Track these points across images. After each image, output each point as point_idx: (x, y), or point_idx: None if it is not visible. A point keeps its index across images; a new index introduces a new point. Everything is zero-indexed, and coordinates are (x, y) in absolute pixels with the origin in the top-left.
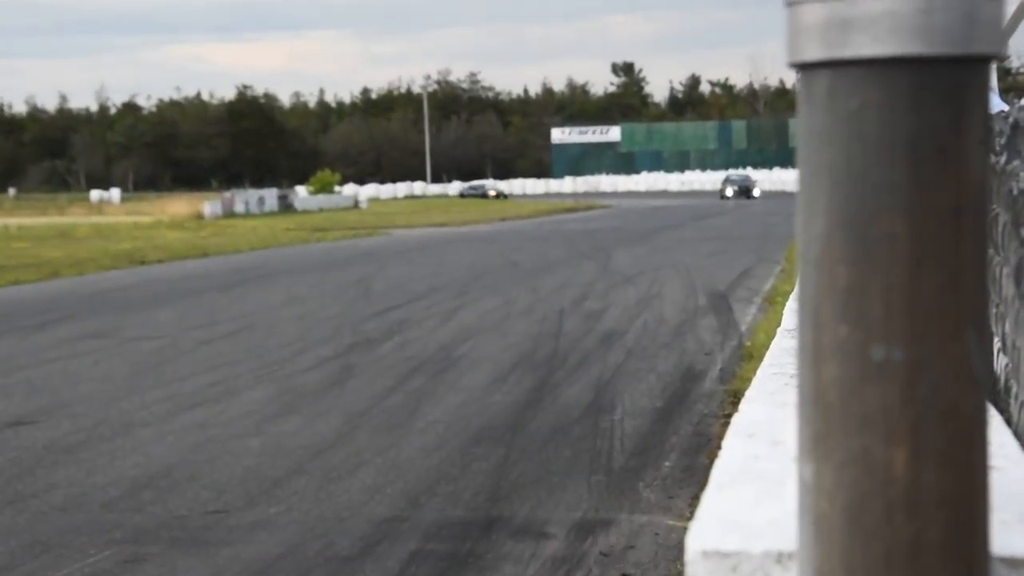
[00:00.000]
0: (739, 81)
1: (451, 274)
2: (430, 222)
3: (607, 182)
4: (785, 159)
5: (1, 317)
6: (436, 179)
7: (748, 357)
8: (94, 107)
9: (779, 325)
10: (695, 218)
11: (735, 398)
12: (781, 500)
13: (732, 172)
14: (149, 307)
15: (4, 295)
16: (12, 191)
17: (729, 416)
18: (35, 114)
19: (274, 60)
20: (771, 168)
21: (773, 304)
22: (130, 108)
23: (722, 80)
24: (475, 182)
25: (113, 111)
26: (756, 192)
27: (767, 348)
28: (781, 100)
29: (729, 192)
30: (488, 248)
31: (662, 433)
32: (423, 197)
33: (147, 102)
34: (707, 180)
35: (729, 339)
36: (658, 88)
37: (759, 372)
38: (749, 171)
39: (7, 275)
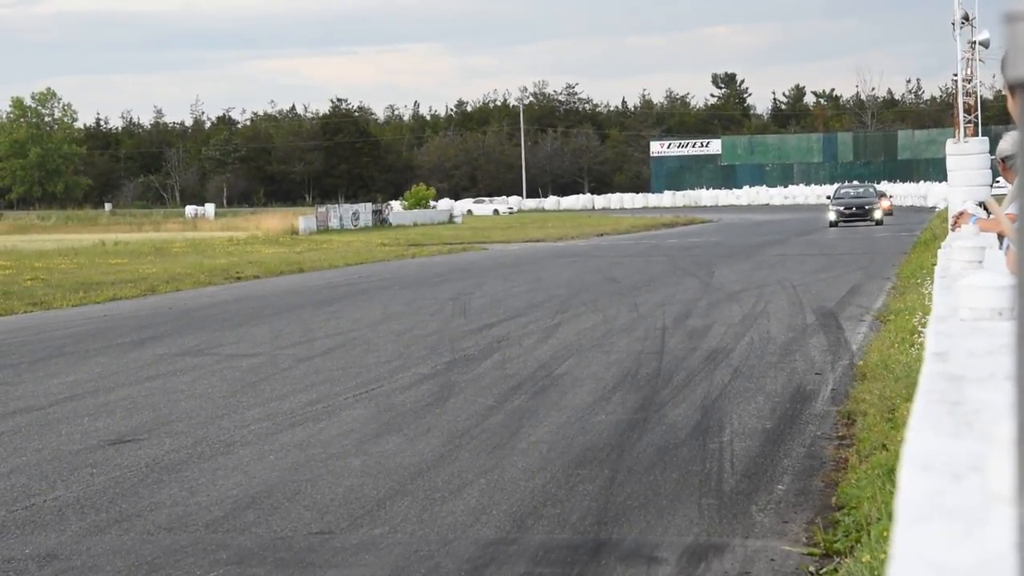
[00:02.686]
0: (845, 92)
1: (549, 290)
2: (527, 237)
3: (707, 196)
4: (893, 172)
5: (100, 333)
6: (532, 193)
7: (861, 377)
8: (189, 122)
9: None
10: (799, 233)
11: (849, 419)
12: (981, 541)
13: (844, 186)
14: (246, 323)
15: (102, 311)
16: (108, 206)
17: (843, 438)
18: (131, 129)
19: (368, 74)
20: (878, 182)
21: (885, 323)
22: (224, 122)
23: (827, 91)
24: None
25: (208, 125)
26: (878, 214)
27: (883, 368)
28: (888, 111)
29: (832, 216)
30: (586, 264)
31: (773, 455)
32: (519, 212)
33: (241, 116)
34: (811, 194)
35: (840, 358)
36: (760, 100)
37: (918, 400)
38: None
39: (105, 291)
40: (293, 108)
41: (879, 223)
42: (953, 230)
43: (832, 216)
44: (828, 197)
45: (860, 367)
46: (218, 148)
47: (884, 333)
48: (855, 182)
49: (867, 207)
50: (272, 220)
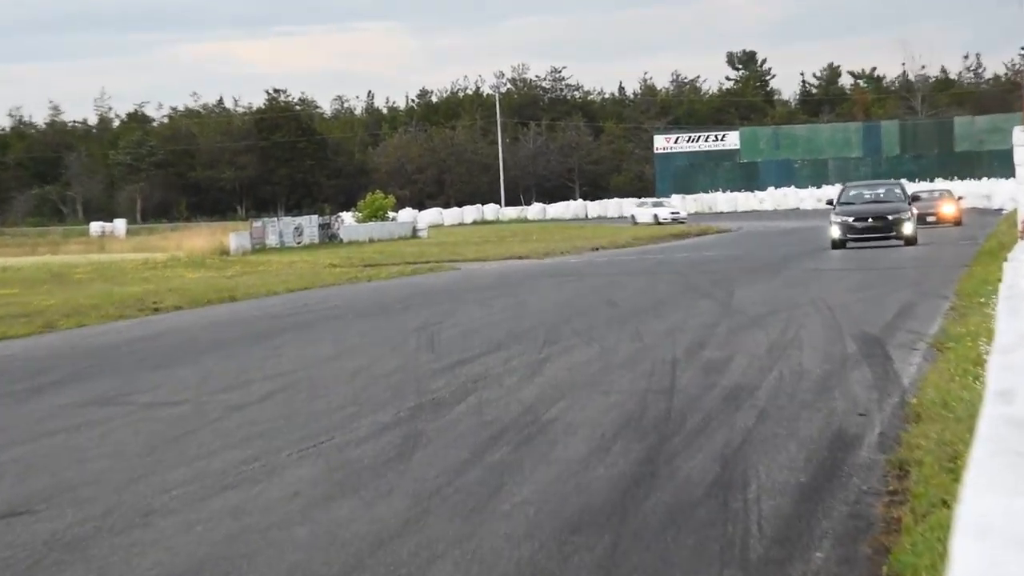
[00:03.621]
0: (889, 72)
1: (535, 317)
2: (507, 253)
3: (724, 200)
4: (949, 167)
5: None
6: (512, 200)
7: (915, 418)
8: (93, 120)
9: (962, 375)
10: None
11: (901, 470)
12: None
13: (855, 185)
14: (166, 365)
15: None
16: None
17: (895, 493)
18: (21, 130)
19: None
20: (931, 179)
21: (944, 351)
22: (137, 120)
23: (867, 71)
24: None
25: (116, 124)
26: (908, 227)
27: (941, 406)
28: (942, 94)
29: (836, 232)
30: (579, 285)
31: (809, 515)
32: (497, 222)
33: (157, 112)
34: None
35: (888, 395)
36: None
37: (975, 450)
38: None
39: None
40: (221, 102)
41: (909, 242)
42: (1023, 238)
43: (836, 232)
44: (829, 202)
45: (914, 406)
46: (129, 151)
47: (942, 364)
48: (873, 180)
49: (890, 217)
50: (197, 238)
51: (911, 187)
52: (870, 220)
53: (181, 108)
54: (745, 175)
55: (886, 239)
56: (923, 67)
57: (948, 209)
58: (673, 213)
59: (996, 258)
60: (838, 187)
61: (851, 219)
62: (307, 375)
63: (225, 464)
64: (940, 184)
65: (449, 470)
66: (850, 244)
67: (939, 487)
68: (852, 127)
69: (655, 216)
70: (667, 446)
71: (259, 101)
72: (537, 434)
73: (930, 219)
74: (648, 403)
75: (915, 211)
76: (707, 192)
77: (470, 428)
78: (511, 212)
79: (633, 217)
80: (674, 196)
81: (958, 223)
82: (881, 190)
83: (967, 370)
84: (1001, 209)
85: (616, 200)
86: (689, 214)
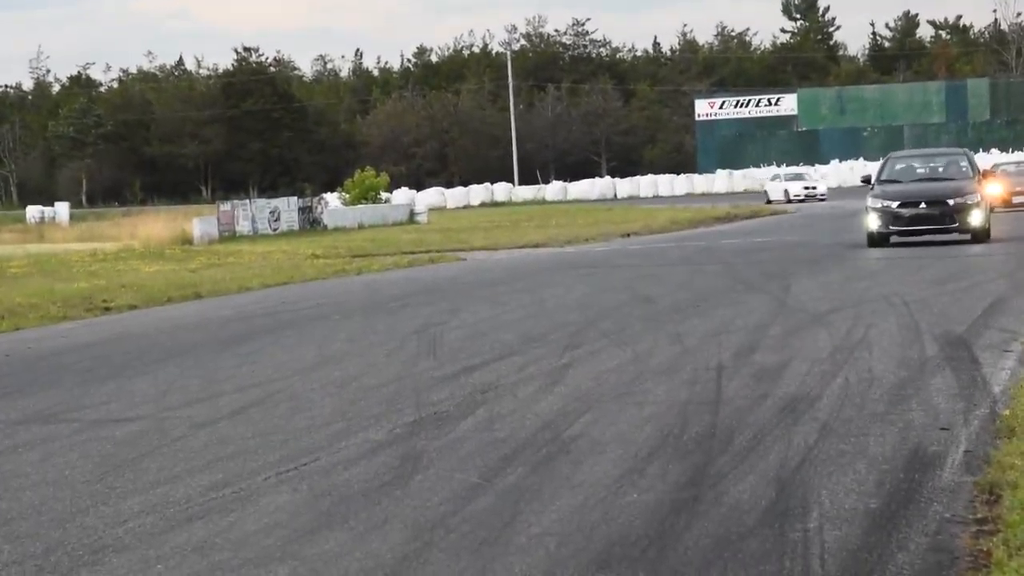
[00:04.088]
0: (977, 21)
1: (554, 317)
2: (521, 241)
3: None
4: None
5: None
6: (527, 178)
7: (1008, 433)
8: (28, 85)
9: None
10: None
11: (991, 494)
12: None
13: (902, 155)
14: (120, 375)
15: None
16: None
17: (983, 521)
18: None
19: (289, 11)
20: None
21: None
22: (81, 85)
23: (951, 20)
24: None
25: (56, 90)
26: (976, 216)
27: None
28: None
29: (875, 222)
30: (607, 278)
31: (883, 548)
32: (509, 204)
33: (105, 76)
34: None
35: (976, 406)
36: (854, 36)
37: None
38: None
39: None
40: (181, 62)
41: (978, 236)
42: None
43: (873, 223)
44: (865, 180)
45: (1006, 418)
46: (72, 122)
47: None
48: (928, 150)
49: (951, 202)
50: (154, 224)
51: (991, 158)
52: (922, 206)
53: (133, 71)
54: (804, 146)
55: (945, 232)
56: (1019, 14)
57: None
58: (808, 188)
59: None
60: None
61: (895, 204)
62: (286, 386)
63: (190, 491)
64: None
65: (454, 496)
66: (894, 239)
67: None
68: (932, 87)
69: (785, 192)
70: (712, 467)
71: (226, 62)
72: (558, 453)
73: (1018, 200)
74: (689, 416)
75: (987, 193)
76: (759, 166)
77: (479, 447)
78: (526, 192)
79: (767, 193)
80: (719, 171)
81: None
82: (940, 163)
83: None
84: None
85: (650, 177)
86: (830, 188)
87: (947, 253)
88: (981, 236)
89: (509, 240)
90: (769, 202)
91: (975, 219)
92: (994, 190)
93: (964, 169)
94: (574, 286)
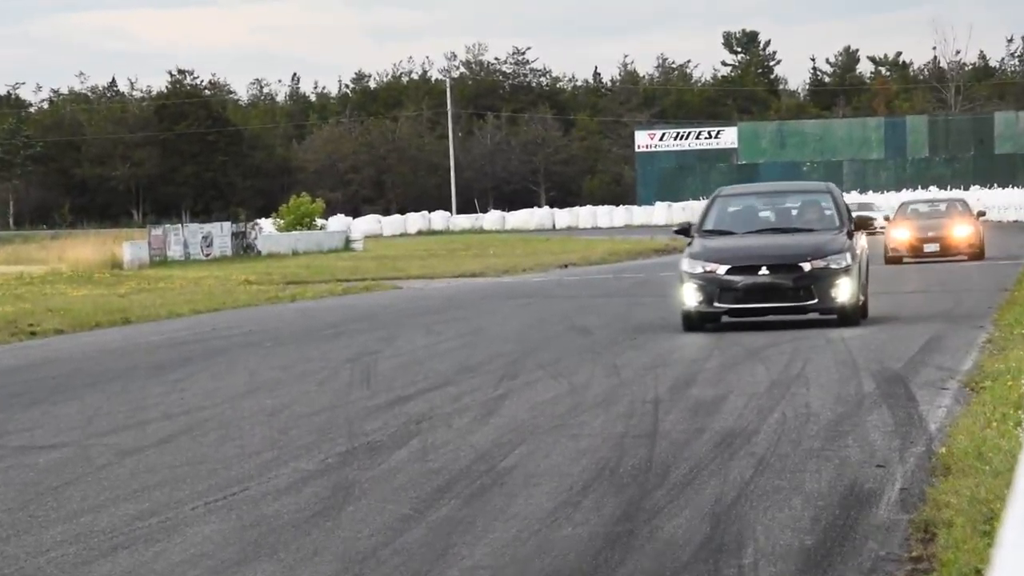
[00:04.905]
0: (917, 58)
1: (491, 347)
2: (458, 270)
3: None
4: (988, 173)
5: None
6: (465, 207)
7: (944, 471)
8: None
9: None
10: None
11: (926, 532)
12: None
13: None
14: (44, 401)
15: None
16: None
17: (919, 560)
18: None
19: (225, 34)
20: (966, 187)
21: (979, 392)
22: (9, 105)
23: (891, 57)
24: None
25: None
26: (844, 288)
27: (975, 457)
28: (981, 84)
29: (692, 297)
30: (544, 308)
31: None
32: (447, 233)
33: (35, 96)
34: (871, 203)
35: (912, 443)
36: (794, 70)
37: (1013, 509)
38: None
39: None
40: (113, 84)
41: (844, 317)
42: None
43: (690, 298)
44: (681, 231)
45: (942, 456)
46: None
47: (976, 407)
48: (775, 184)
49: (806, 267)
50: (83, 247)
51: (926, 194)
52: (763, 272)
53: (64, 91)
54: (744, 179)
55: (798, 311)
56: (958, 52)
57: (961, 231)
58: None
59: None
60: (869, 193)
61: (722, 270)
62: (216, 414)
63: (115, 520)
64: (949, 193)
65: (386, 528)
66: (723, 319)
67: (971, 553)
68: (872, 123)
69: None
70: (647, 501)
71: (160, 84)
72: (492, 485)
73: (930, 248)
74: (625, 450)
75: (861, 247)
76: (698, 199)
77: (412, 478)
78: (464, 221)
79: None
80: (659, 203)
81: (977, 255)
82: (793, 203)
83: (1007, 414)
84: None
85: (589, 208)
86: (676, 225)
87: (898, 287)
88: (851, 316)
89: (446, 269)
90: None
91: (842, 292)
92: (901, 235)
93: (828, 215)
94: (511, 316)
